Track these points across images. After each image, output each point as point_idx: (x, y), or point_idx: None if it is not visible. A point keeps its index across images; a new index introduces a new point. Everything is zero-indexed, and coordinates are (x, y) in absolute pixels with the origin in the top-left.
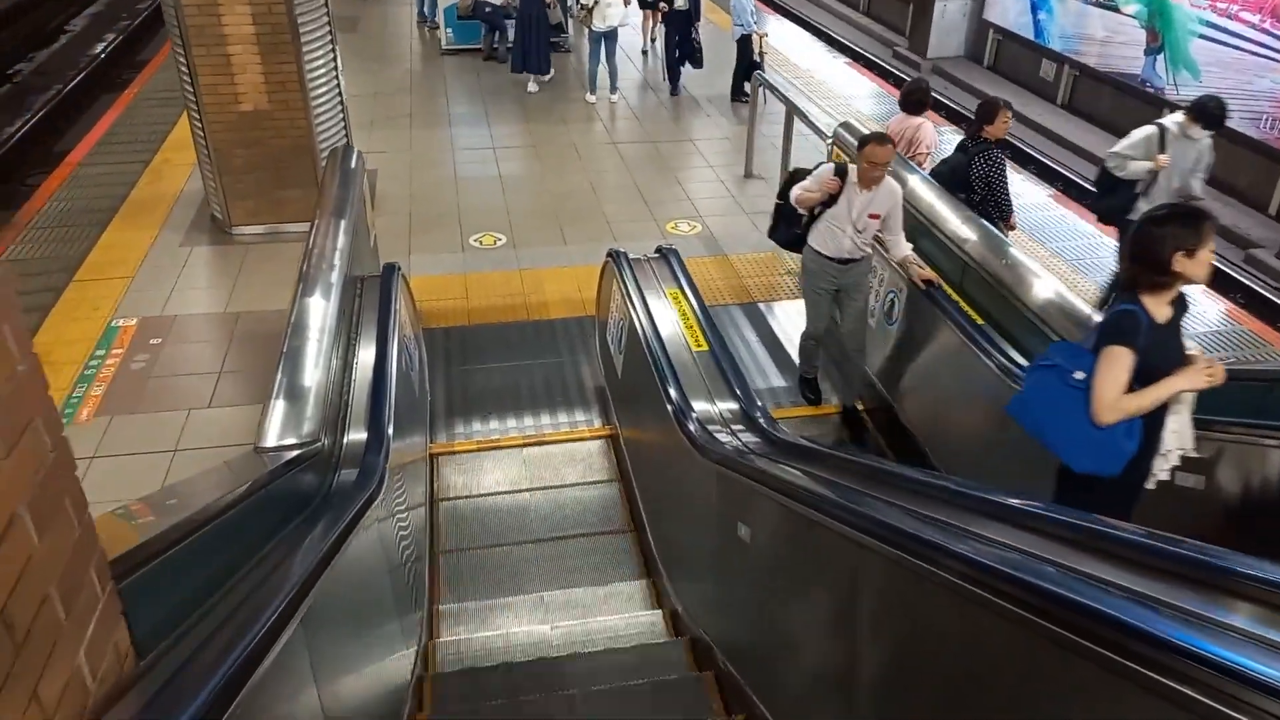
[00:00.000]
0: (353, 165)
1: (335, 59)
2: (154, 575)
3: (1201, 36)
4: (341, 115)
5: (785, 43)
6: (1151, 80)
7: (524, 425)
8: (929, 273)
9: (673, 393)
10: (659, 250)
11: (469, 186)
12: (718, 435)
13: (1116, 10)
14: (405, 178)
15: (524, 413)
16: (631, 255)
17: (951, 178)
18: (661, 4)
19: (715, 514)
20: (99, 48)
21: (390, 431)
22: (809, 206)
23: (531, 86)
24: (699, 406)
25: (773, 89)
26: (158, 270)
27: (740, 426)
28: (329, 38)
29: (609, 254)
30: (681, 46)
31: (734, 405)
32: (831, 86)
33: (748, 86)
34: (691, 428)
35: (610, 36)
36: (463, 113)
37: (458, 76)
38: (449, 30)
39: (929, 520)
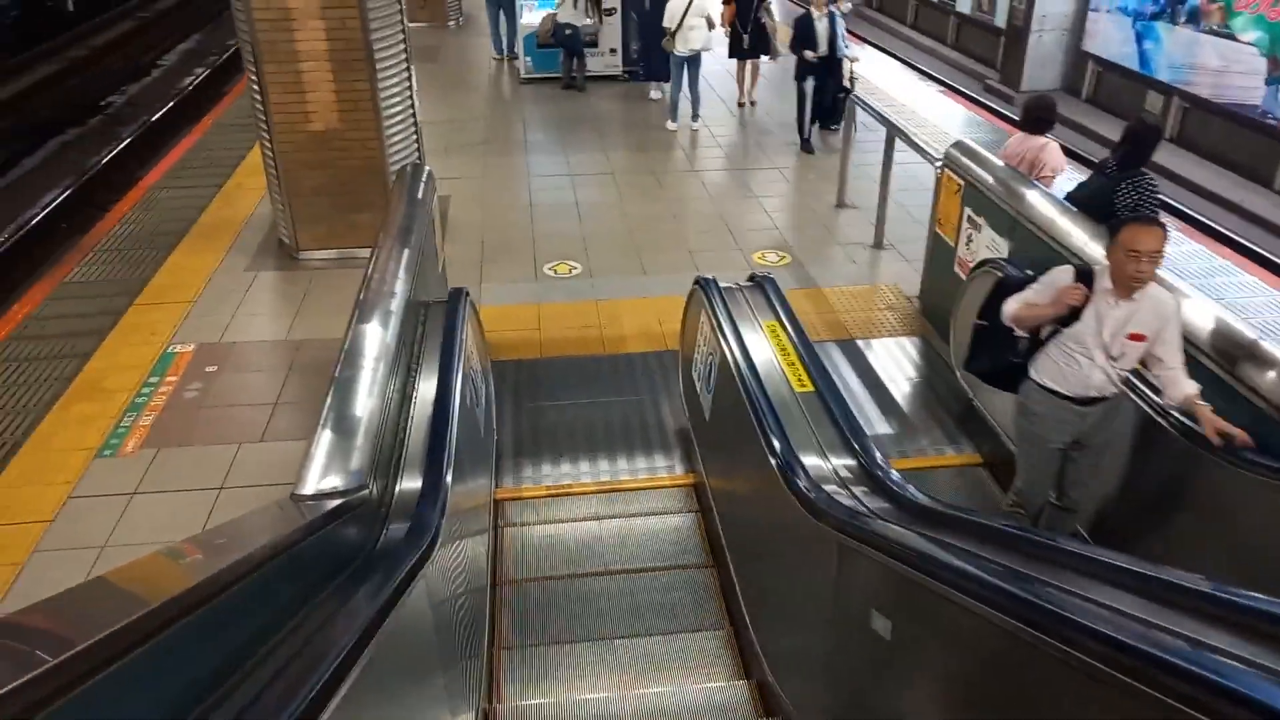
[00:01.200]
0: (422, 184)
1: (410, 78)
2: (154, 656)
3: None
4: (415, 137)
5: (872, 71)
6: (1274, 111)
7: (598, 470)
8: (1225, 424)
9: (776, 442)
10: (753, 278)
11: (544, 213)
12: (834, 494)
13: (1233, 38)
14: (478, 204)
15: (598, 455)
16: (722, 283)
17: (1090, 204)
18: (806, 52)
19: (832, 590)
20: (187, 81)
21: (449, 479)
22: (1034, 327)
23: (654, 94)
24: (809, 460)
25: (869, 109)
26: (220, 295)
27: (860, 484)
28: (404, 56)
29: (697, 281)
30: (823, 96)
31: (850, 458)
32: (926, 114)
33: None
34: (802, 484)
35: (693, 61)
36: (538, 140)
37: (535, 104)
38: (528, 59)
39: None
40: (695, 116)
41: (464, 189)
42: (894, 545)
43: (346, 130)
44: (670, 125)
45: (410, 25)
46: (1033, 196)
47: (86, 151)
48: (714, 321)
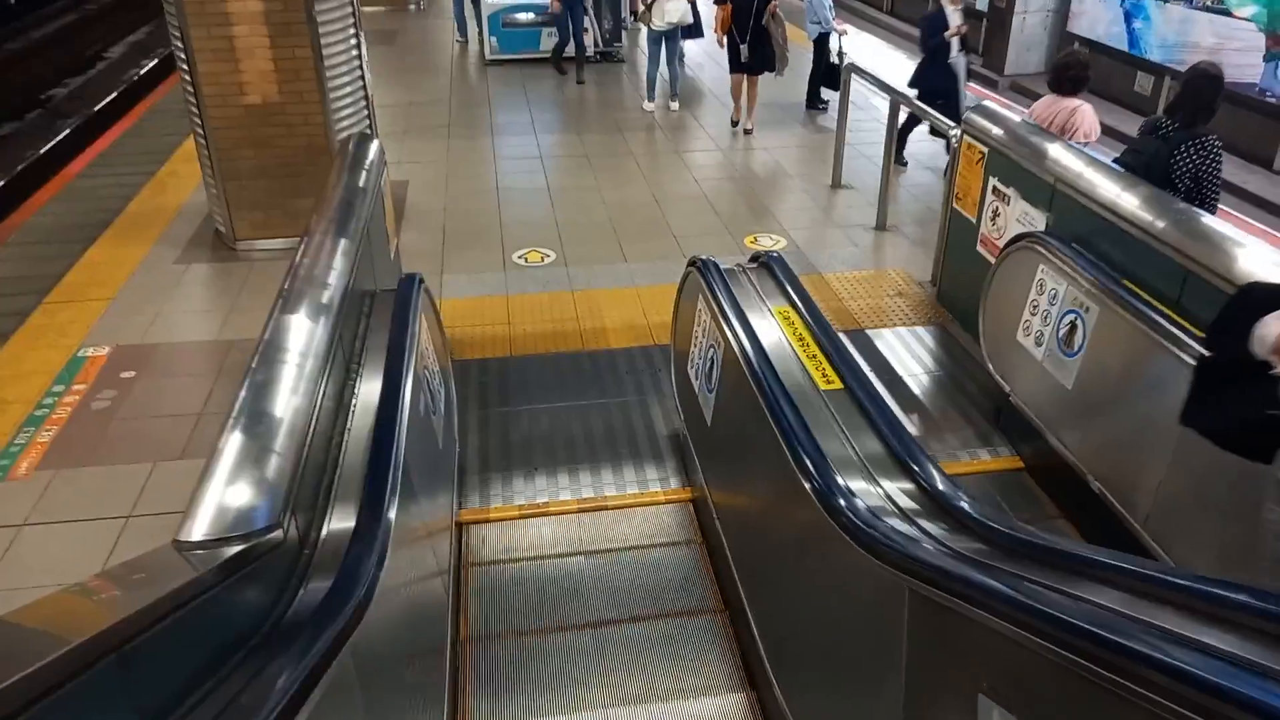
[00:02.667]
0: (368, 157)
1: (359, 46)
2: None
3: None
4: (366, 112)
5: (852, 50)
6: (1274, 89)
7: (579, 485)
8: None
9: (809, 458)
10: (757, 258)
11: (513, 198)
12: (883, 517)
13: (1228, 14)
14: (440, 189)
15: (579, 467)
16: (723, 265)
17: (1147, 171)
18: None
19: (902, 654)
20: (132, 73)
21: (393, 513)
22: None
23: (646, 105)
24: (853, 480)
25: (870, 78)
26: (144, 292)
27: (919, 508)
28: (351, 20)
29: (692, 263)
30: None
31: (902, 474)
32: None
33: (825, 93)
34: (851, 513)
35: (671, 37)
36: (506, 122)
37: (502, 86)
38: (493, 39)
39: None
40: (674, 96)
41: (424, 173)
42: (1017, 605)
43: (287, 104)
44: (647, 105)
45: (367, 9)
46: (1076, 160)
47: (21, 146)
48: (715, 309)
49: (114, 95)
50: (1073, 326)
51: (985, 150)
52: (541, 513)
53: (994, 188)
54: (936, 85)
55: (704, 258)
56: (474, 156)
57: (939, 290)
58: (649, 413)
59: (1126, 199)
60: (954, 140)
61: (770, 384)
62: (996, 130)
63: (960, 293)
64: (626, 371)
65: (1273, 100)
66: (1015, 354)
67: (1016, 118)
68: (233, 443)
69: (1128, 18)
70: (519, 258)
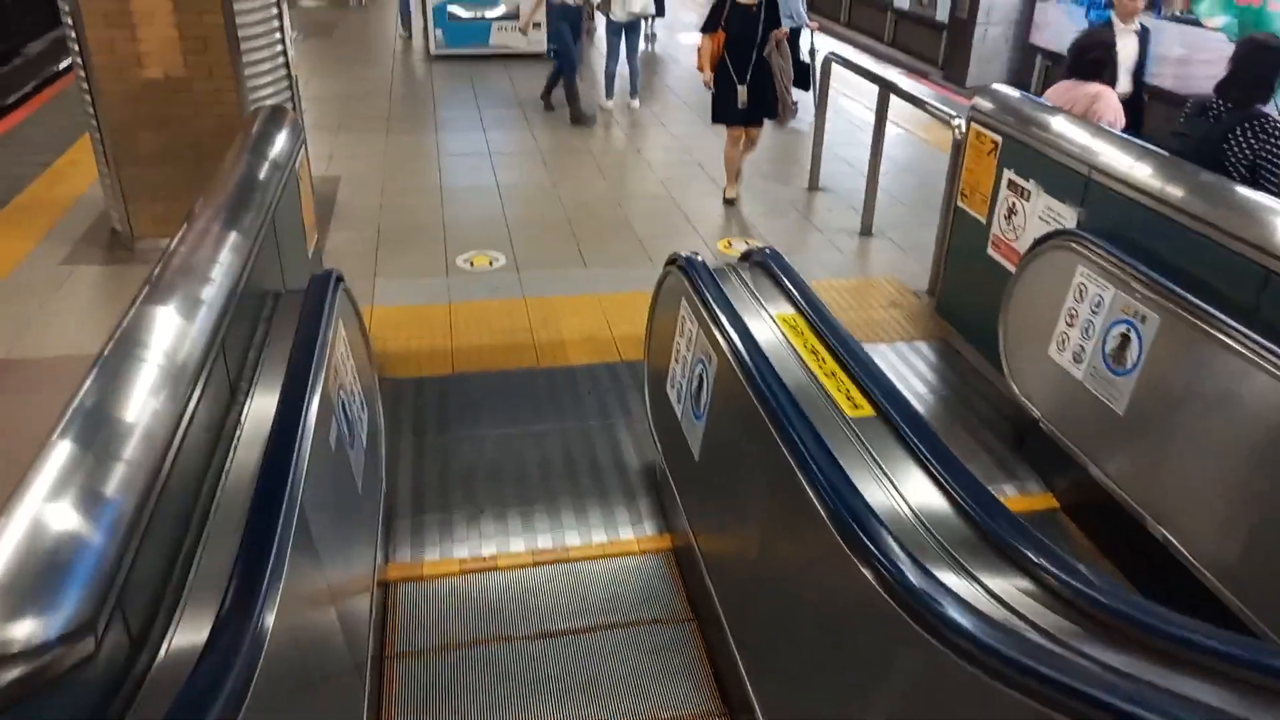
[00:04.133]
0: (279, 133)
1: (280, 13)
2: None
3: None
4: (289, 89)
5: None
6: None
7: (534, 531)
8: None
9: (863, 530)
10: (749, 255)
11: (458, 196)
12: (945, 581)
13: (1198, 24)
14: (375, 186)
15: (534, 508)
16: (710, 264)
17: (1196, 157)
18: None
19: None
20: (50, 69)
21: (274, 602)
22: None
23: (605, 102)
24: (923, 555)
25: (855, 68)
26: (18, 296)
27: (1004, 584)
28: None
29: (672, 262)
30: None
31: (976, 535)
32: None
33: (796, 92)
34: (937, 603)
35: (633, 29)
36: (452, 117)
37: (447, 81)
38: (438, 31)
39: None
40: (634, 93)
41: (359, 169)
42: None
43: (194, 79)
44: (605, 103)
45: (306, 3)
46: (1114, 145)
47: None
48: (705, 316)
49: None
50: (1124, 339)
51: (998, 139)
52: (488, 567)
53: (1010, 181)
54: None
55: (687, 255)
56: (415, 152)
57: (939, 301)
58: (617, 441)
59: (1183, 188)
60: (958, 130)
61: (787, 414)
62: (1012, 115)
63: (966, 303)
64: (589, 391)
65: None
66: (1046, 372)
67: (1037, 99)
68: (29, 500)
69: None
70: (464, 261)
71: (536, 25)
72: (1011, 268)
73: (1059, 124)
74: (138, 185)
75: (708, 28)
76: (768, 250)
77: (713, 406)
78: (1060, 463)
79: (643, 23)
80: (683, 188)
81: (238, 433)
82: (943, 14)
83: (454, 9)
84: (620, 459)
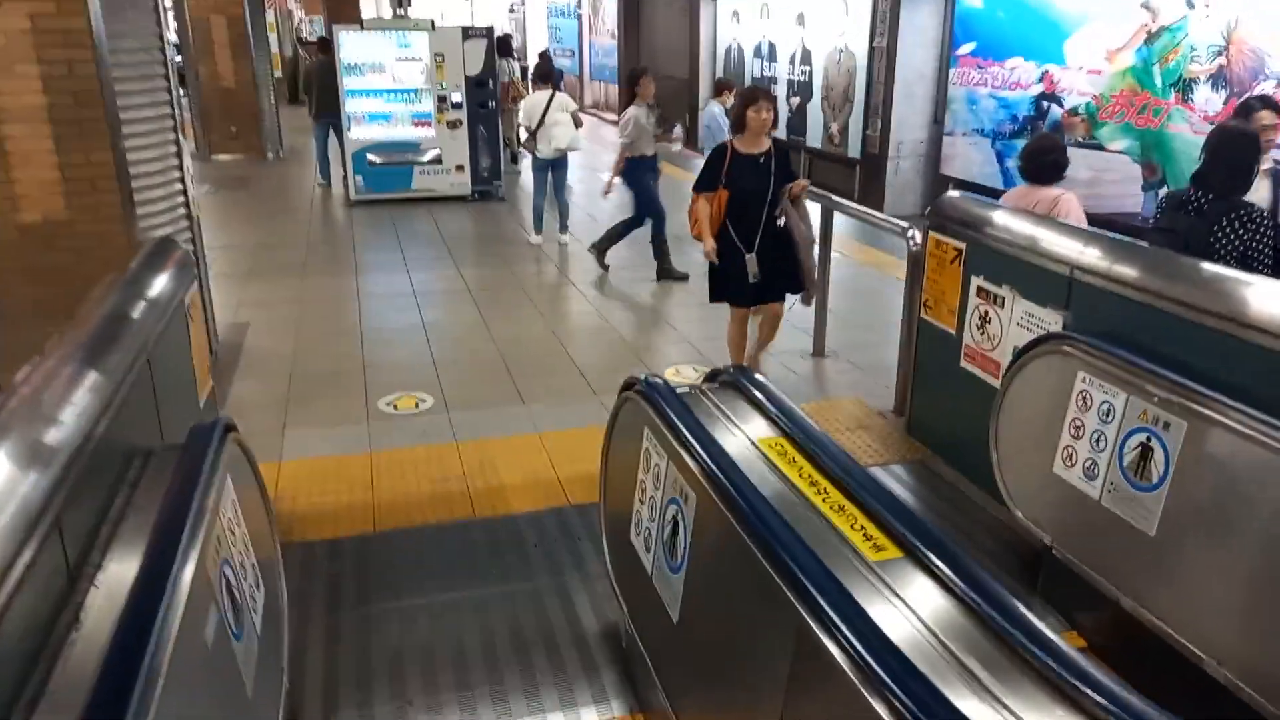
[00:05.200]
0: (165, 266)
1: (179, 148)
2: None
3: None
4: (188, 228)
5: None
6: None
7: None
8: None
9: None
10: (717, 375)
11: (380, 338)
12: None
13: (1100, 148)
14: (288, 332)
15: (475, 697)
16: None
17: (1186, 250)
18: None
19: None
20: None
21: None
22: None
23: (532, 238)
24: None
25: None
26: None
27: None
28: (168, 109)
29: (629, 386)
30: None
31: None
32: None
33: None
34: None
35: (559, 165)
36: (373, 259)
37: (368, 226)
38: (358, 177)
39: None
40: (564, 228)
41: (271, 316)
42: None
43: (77, 221)
44: (533, 239)
45: (219, 158)
46: (1096, 241)
47: None
48: (673, 446)
49: None
50: (1144, 449)
51: (961, 245)
52: None
53: (979, 289)
54: None
55: (648, 377)
56: (333, 295)
57: (909, 420)
58: (571, 602)
59: (1188, 280)
60: (912, 241)
61: (794, 556)
62: (974, 221)
63: (941, 421)
64: (535, 544)
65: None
66: (1053, 491)
67: (999, 204)
68: None
69: (1000, 158)
70: (386, 405)
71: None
72: (991, 380)
73: (1029, 225)
74: (11, 346)
75: (704, 185)
76: (736, 367)
77: (693, 554)
78: (1082, 595)
79: (568, 158)
80: (622, 318)
81: (72, 636)
82: (854, 151)
83: (373, 156)
84: (576, 624)
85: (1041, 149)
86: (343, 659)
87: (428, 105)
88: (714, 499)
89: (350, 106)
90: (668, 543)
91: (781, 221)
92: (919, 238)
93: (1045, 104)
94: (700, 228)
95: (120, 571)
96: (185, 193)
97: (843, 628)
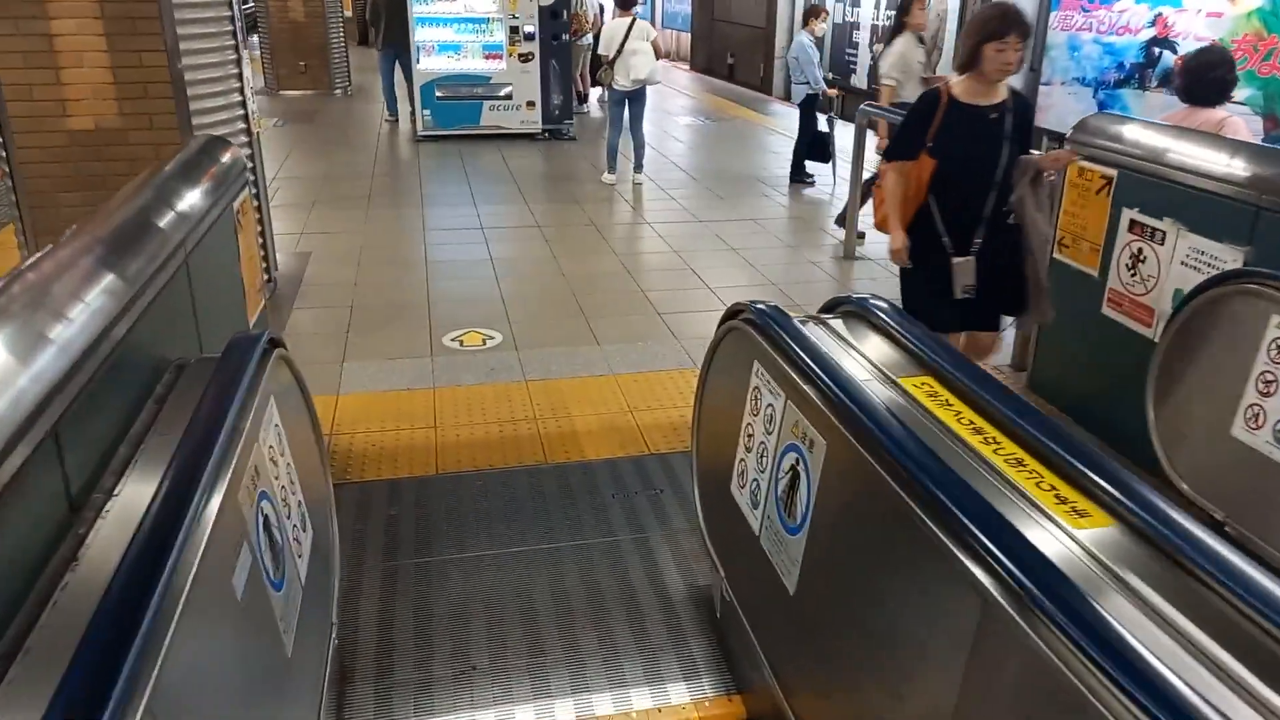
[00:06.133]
0: (214, 164)
1: (238, 47)
2: None
3: None
4: (248, 144)
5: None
6: None
7: (550, 701)
8: None
9: None
10: (837, 305)
11: (446, 271)
12: None
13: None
14: (351, 262)
15: (546, 663)
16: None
17: None
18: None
19: None
20: None
21: None
22: None
23: (606, 176)
24: None
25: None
26: None
27: None
28: (227, 10)
29: (735, 314)
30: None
31: None
32: None
33: (811, 166)
34: None
35: (637, 98)
36: (440, 193)
37: (435, 159)
38: (426, 112)
39: None
40: (639, 167)
41: (333, 245)
42: None
43: (130, 130)
44: (607, 177)
45: (287, 93)
46: None
47: None
48: (796, 384)
49: None
50: None
51: (1112, 173)
52: None
53: (1133, 223)
54: None
55: (758, 304)
56: (398, 227)
57: (1031, 375)
58: (654, 561)
59: None
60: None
61: (997, 532)
62: (1131, 144)
63: (1071, 377)
64: (613, 495)
65: None
66: (1230, 459)
67: (1164, 124)
68: None
69: (1101, 108)
70: (452, 340)
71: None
72: (1140, 329)
73: (1201, 146)
74: None
75: (898, 151)
76: (865, 298)
77: (819, 512)
78: None
79: (646, 91)
80: (701, 260)
81: (66, 577)
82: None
83: (442, 90)
84: (661, 587)
85: (1206, 64)
86: (399, 613)
87: (499, 36)
88: (853, 447)
89: (420, 35)
90: (783, 498)
91: (1013, 216)
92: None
93: (1157, 50)
94: (888, 213)
95: (137, 500)
96: (245, 105)
97: (1070, 629)
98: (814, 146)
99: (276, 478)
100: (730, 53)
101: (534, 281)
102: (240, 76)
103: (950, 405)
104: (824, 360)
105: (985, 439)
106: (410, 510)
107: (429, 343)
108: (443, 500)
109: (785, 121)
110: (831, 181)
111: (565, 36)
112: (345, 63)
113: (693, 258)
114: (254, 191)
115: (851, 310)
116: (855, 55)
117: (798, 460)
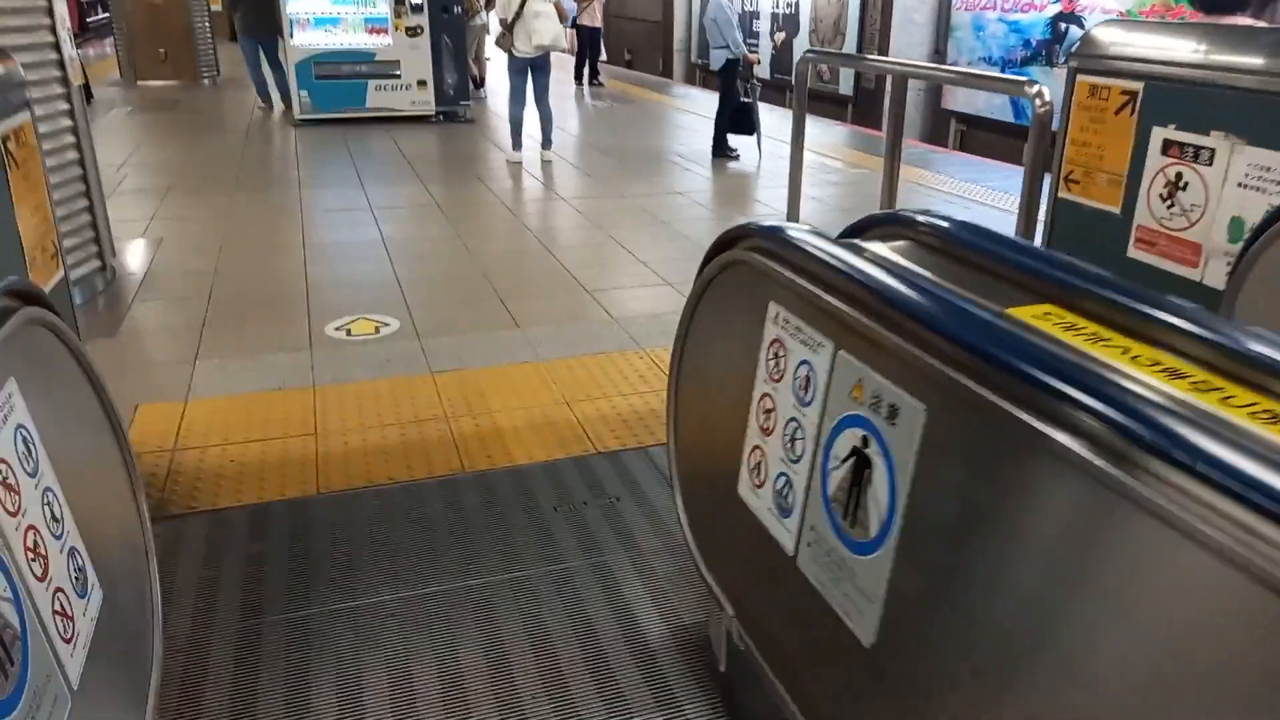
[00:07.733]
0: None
1: None
2: None
3: None
4: (64, 95)
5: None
6: None
7: None
8: None
9: None
10: (872, 223)
11: (328, 253)
12: None
13: None
14: (211, 249)
15: None
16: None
17: None
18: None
19: None
20: None
21: None
22: None
23: (513, 155)
24: None
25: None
26: None
27: None
28: None
29: (734, 240)
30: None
31: None
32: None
33: (733, 139)
34: None
35: (540, 66)
36: (321, 175)
37: (316, 145)
38: (304, 93)
39: None
40: (547, 143)
41: (189, 231)
42: None
43: None
44: (513, 155)
45: (148, 83)
46: None
47: None
48: (855, 320)
49: None
50: None
51: (1136, 88)
52: None
53: (1168, 143)
54: None
55: (763, 223)
56: (270, 212)
57: None
58: (620, 593)
59: None
60: (1039, 101)
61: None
62: (1159, 49)
63: None
64: (555, 507)
65: None
66: None
67: (1185, 25)
68: None
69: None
70: (337, 330)
71: None
72: (1184, 270)
73: (1258, 41)
74: None
75: None
76: (913, 211)
77: (913, 519)
78: None
79: (550, 59)
80: (629, 233)
81: None
82: (846, 88)
83: (321, 67)
84: (634, 629)
85: None
86: (266, 694)
87: (383, 8)
88: (997, 409)
89: (293, 7)
90: (841, 500)
91: None
92: (1047, 94)
93: (1064, 25)
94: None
95: None
96: (58, 48)
97: None
98: (736, 118)
99: (15, 513)
100: (627, 49)
101: (435, 262)
102: (50, 12)
103: (1111, 341)
104: (915, 279)
105: (1194, 384)
106: (282, 545)
107: (307, 334)
108: (327, 529)
109: (695, 104)
110: (757, 155)
111: (457, 9)
112: (212, 49)
113: (618, 231)
114: (77, 157)
115: (893, 230)
116: (756, 44)
117: (866, 439)
